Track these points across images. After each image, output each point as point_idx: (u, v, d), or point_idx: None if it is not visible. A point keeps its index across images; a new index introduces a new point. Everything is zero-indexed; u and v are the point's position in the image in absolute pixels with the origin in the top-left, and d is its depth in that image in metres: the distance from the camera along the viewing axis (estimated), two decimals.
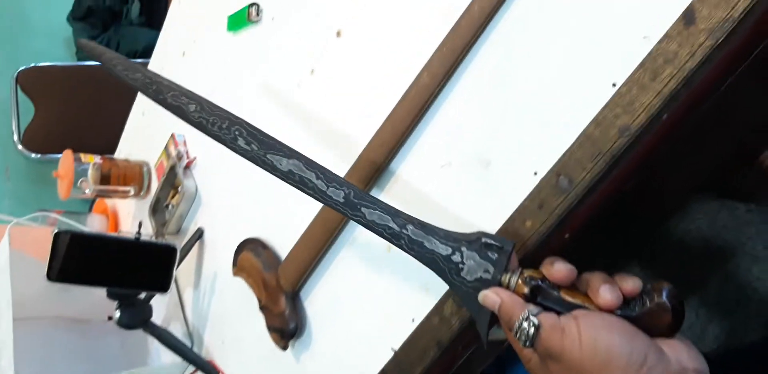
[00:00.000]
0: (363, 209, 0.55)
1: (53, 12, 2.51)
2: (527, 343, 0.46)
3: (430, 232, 0.53)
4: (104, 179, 1.19)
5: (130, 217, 1.39)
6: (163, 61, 1.29)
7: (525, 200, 0.54)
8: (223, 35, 1.04)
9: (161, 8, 2.40)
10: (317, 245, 0.75)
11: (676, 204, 0.74)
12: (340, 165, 0.72)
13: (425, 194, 0.64)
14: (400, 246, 0.54)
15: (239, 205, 0.97)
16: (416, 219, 0.54)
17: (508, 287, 0.49)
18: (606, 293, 0.45)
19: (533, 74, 0.54)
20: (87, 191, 1.18)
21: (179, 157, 1.12)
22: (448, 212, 0.61)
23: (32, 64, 2.04)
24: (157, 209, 1.18)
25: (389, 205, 0.55)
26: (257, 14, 0.94)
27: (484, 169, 0.58)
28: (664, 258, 0.76)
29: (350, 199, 0.55)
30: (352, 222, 0.73)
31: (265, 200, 0.90)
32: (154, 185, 1.26)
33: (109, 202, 1.48)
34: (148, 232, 1.18)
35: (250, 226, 0.92)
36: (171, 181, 1.15)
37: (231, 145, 0.59)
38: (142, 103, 1.39)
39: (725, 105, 0.49)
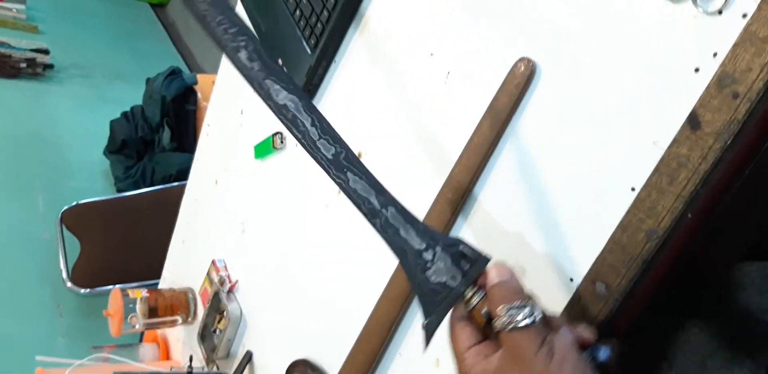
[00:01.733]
0: (349, 174, 0.50)
1: (90, 148, 2.64)
2: (508, 327, 0.43)
3: (409, 221, 0.49)
4: (152, 311, 1.21)
5: (180, 344, 1.40)
6: (198, 191, 1.34)
7: (566, 307, 0.54)
8: (252, 163, 1.08)
9: (190, 133, 2.52)
10: (365, 363, 0.75)
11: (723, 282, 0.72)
12: (370, 285, 0.73)
13: None
14: (374, 225, 0.49)
15: (284, 325, 0.98)
16: (399, 203, 0.49)
17: (468, 303, 0.47)
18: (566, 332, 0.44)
19: (553, 182, 0.56)
20: (137, 326, 1.20)
21: (221, 282, 1.14)
22: None
23: (74, 203, 2.12)
24: (206, 335, 1.19)
25: (379, 182, 0.50)
26: (281, 142, 0.98)
27: (521, 277, 0.58)
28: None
29: (339, 159, 0.51)
30: (397, 336, 0.73)
31: (309, 318, 0.91)
32: (201, 310, 1.27)
33: (160, 331, 1.49)
34: (199, 362, 1.18)
35: (297, 346, 0.92)
36: (216, 307, 1.16)
37: (231, 54, 0.52)
38: (181, 231, 1.43)
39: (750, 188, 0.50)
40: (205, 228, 1.30)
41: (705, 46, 0.45)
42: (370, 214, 0.49)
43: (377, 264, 0.76)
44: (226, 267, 1.17)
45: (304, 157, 0.94)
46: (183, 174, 2.29)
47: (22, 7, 3.60)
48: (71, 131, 2.85)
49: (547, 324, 0.44)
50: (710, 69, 0.45)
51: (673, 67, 0.47)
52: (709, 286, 0.72)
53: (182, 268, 1.41)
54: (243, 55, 0.51)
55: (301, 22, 0.89)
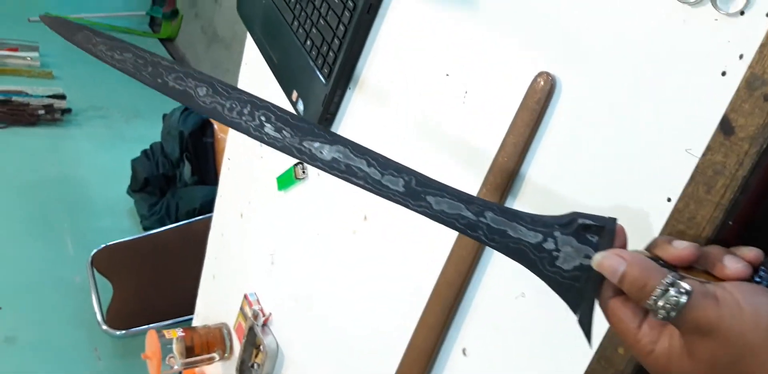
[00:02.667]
0: (428, 198, 0.46)
1: (113, 188, 2.67)
2: (671, 315, 0.37)
3: (513, 218, 0.44)
4: (189, 350, 1.21)
5: None
6: (224, 225, 1.34)
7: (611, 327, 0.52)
8: (275, 194, 1.08)
9: (210, 165, 2.53)
10: None
11: None
12: (406, 312, 0.72)
13: (502, 330, 0.63)
14: (478, 238, 0.45)
15: (321, 356, 0.96)
16: (495, 204, 0.46)
17: None
18: (732, 263, 0.39)
19: (585, 198, 0.54)
20: (176, 366, 1.20)
21: (255, 316, 1.13)
22: (531, 345, 0.60)
23: (102, 245, 2.14)
24: (244, 370, 1.18)
25: (461, 191, 0.46)
26: (303, 172, 0.97)
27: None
28: None
29: (412, 187, 0.46)
30: (437, 365, 0.71)
31: (346, 348, 0.90)
32: (236, 345, 1.26)
33: (198, 369, 1.49)
34: None
35: None
36: (252, 341, 1.16)
37: (256, 133, 0.49)
38: (210, 266, 1.43)
39: None
40: (234, 262, 1.29)
41: (730, 48, 0.44)
42: (469, 229, 0.45)
43: (411, 290, 0.75)
44: (258, 300, 1.16)
45: (328, 185, 0.94)
46: (207, 207, 2.31)
47: (35, 54, 3.67)
48: (94, 172, 2.88)
49: (701, 280, 0.39)
50: (738, 72, 0.43)
51: (699, 72, 0.46)
52: None
53: (215, 304, 1.41)
54: (269, 129, 0.49)
55: (313, 52, 0.89)
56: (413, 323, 0.72)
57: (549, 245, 0.44)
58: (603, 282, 0.43)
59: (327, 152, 0.48)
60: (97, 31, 0.57)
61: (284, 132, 0.48)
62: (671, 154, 0.48)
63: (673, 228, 0.47)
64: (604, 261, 0.41)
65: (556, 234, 0.44)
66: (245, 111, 0.49)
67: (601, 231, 0.43)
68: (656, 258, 0.41)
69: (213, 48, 3.99)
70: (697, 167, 0.45)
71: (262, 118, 0.49)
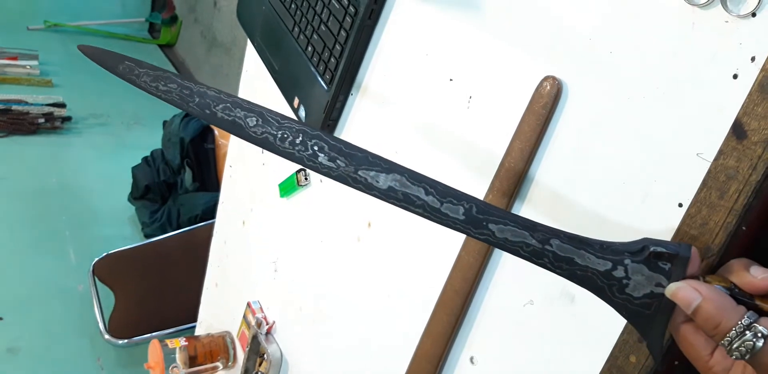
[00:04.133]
0: (491, 226, 0.44)
1: (114, 196, 2.66)
2: (746, 357, 0.37)
3: (581, 245, 0.43)
4: (192, 359, 1.20)
5: None
6: (226, 233, 1.33)
7: (622, 334, 0.51)
8: (277, 201, 1.07)
9: (211, 171, 2.53)
10: None
11: None
12: (411, 320, 0.71)
13: (510, 338, 0.62)
14: (543, 266, 0.44)
15: (326, 365, 0.95)
16: (562, 231, 0.44)
17: None
18: None
19: (593, 203, 0.54)
20: None
21: (259, 324, 1.12)
22: (540, 354, 0.59)
23: (104, 254, 2.13)
24: None
25: (524, 218, 0.45)
26: (306, 178, 0.97)
27: (569, 303, 0.56)
28: None
29: (472, 215, 0.45)
30: (446, 371, 0.71)
31: (351, 356, 0.89)
32: (240, 354, 1.25)
33: None
34: None
35: None
36: (255, 350, 1.15)
37: (310, 163, 0.48)
38: (213, 274, 1.42)
39: None
40: (236, 270, 1.28)
41: (741, 50, 0.43)
42: (535, 256, 0.44)
43: (417, 297, 0.74)
44: (261, 308, 1.15)
45: (331, 192, 0.93)
46: (208, 213, 2.30)
47: (35, 62, 3.67)
48: (95, 180, 2.88)
49: None
50: (750, 74, 0.43)
51: (710, 75, 0.45)
52: None
53: (218, 312, 1.40)
54: (323, 158, 0.47)
55: (314, 58, 0.88)
56: (419, 331, 0.71)
57: (619, 273, 0.43)
58: (675, 308, 0.42)
59: (383, 181, 0.46)
60: (139, 62, 0.56)
61: (338, 161, 0.47)
62: (682, 158, 0.47)
63: (685, 234, 0.46)
64: (678, 291, 0.40)
65: (626, 262, 0.43)
66: (297, 140, 0.48)
67: (674, 258, 0.42)
68: (731, 287, 0.40)
69: (213, 53, 3.99)
70: (710, 172, 0.44)
71: (315, 148, 0.47)
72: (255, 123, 0.49)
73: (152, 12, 4.81)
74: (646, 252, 0.42)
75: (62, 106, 3.22)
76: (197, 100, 0.51)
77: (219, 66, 3.86)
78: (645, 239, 0.43)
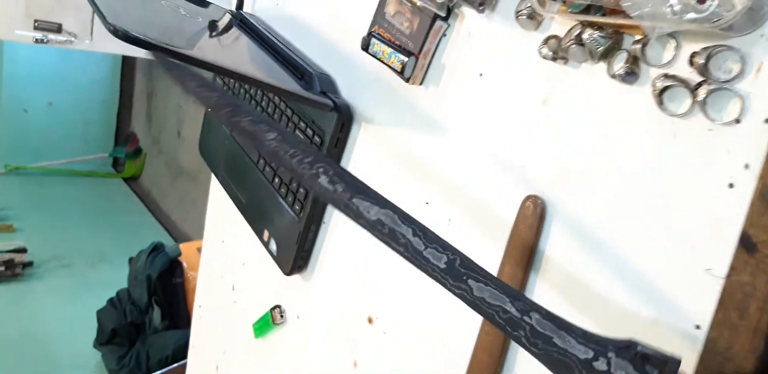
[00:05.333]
0: (470, 281, 0.41)
1: (79, 342, 2.53)
2: None
3: (562, 326, 0.39)
4: None
5: None
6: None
7: None
8: (252, 342, 1.00)
9: (181, 307, 2.43)
10: None
11: None
12: None
13: None
14: (518, 339, 0.40)
15: None
16: (544, 308, 0.40)
17: None
18: None
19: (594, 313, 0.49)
20: None
21: None
22: None
23: None
24: None
25: (508, 285, 0.42)
26: (281, 316, 0.91)
27: None
28: None
29: (454, 267, 0.42)
30: None
31: None
32: None
33: None
34: None
35: None
36: None
37: (309, 182, 0.49)
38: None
39: None
40: None
41: (731, 158, 0.41)
42: (510, 326, 0.40)
43: None
44: None
45: (310, 329, 0.87)
46: (180, 353, 2.18)
47: None
48: (58, 327, 2.74)
49: None
50: (747, 183, 0.40)
51: (703, 186, 0.43)
52: None
53: None
54: (323, 179, 0.48)
55: (282, 189, 0.86)
56: None
57: (600, 365, 0.38)
58: None
59: (374, 213, 0.46)
60: (192, 72, 0.61)
61: (337, 186, 0.48)
62: (690, 276, 0.43)
63: (712, 360, 0.42)
64: None
65: (610, 355, 0.38)
66: (306, 160, 0.49)
67: (663, 367, 0.37)
68: None
69: (178, 181, 3.99)
70: (725, 290, 0.41)
71: (320, 170, 0.49)
72: (273, 137, 0.52)
73: (116, 146, 4.85)
74: (633, 350, 0.38)
75: (23, 251, 3.13)
76: (229, 109, 0.56)
77: (186, 193, 3.84)
78: (632, 338, 0.38)
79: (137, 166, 4.68)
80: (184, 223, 3.77)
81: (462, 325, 0.61)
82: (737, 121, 0.41)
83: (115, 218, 3.92)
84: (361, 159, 0.77)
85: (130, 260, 2.61)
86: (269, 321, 0.92)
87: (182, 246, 2.57)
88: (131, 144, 4.74)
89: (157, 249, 2.48)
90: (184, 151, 3.93)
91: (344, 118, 0.78)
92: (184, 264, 2.48)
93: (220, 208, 1.15)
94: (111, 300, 2.52)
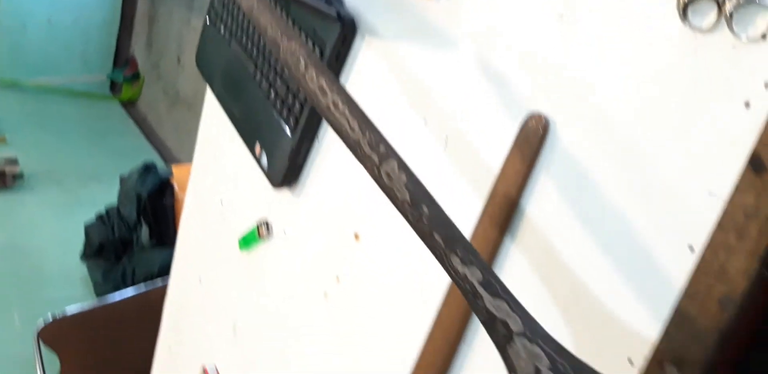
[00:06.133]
0: (423, 207, 0.43)
1: (66, 255, 2.54)
2: None
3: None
4: None
5: None
6: (181, 291, 1.25)
7: None
8: (237, 256, 1.00)
9: (169, 227, 2.43)
10: None
11: None
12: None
13: None
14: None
15: None
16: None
17: None
18: None
19: (590, 253, 0.48)
20: None
21: None
22: None
23: (51, 317, 2.00)
24: None
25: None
26: (268, 230, 0.90)
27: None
28: None
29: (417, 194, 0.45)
30: None
31: None
32: None
33: None
34: None
35: None
36: None
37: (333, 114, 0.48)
38: (166, 337, 1.32)
39: None
40: (192, 332, 1.19)
41: (753, 76, 0.39)
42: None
43: (392, 358, 0.67)
44: (217, 371, 1.06)
45: (295, 245, 0.87)
46: (165, 271, 2.18)
47: None
48: (46, 239, 2.75)
49: None
50: (764, 102, 0.38)
51: (718, 105, 0.41)
52: None
53: None
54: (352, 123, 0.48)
55: (278, 104, 0.83)
56: None
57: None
58: None
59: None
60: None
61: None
62: (691, 198, 0.42)
63: (700, 282, 0.41)
64: None
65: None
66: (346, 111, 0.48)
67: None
68: None
69: (175, 109, 3.94)
70: (726, 211, 0.40)
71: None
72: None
73: (114, 68, 4.77)
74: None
75: (14, 162, 3.11)
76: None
77: (182, 121, 3.80)
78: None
79: (135, 90, 4.61)
80: (179, 151, 3.74)
81: None
82: (764, 36, 0.39)
83: (109, 140, 3.89)
84: (362, 74, 0.75)
85: (121, 179, 2.60)
86: (255, 235, 0.91)
87: (174, 168, 2.56)
88: (130, 68, 4.66)
89: (148, 168, 2.46)
90: (183, 78, 3.87)
91: (347, 30, 0.75)
92: (175, 186, 2.47)
93: (213, 125, 1.13)
94: (100, 216, 2.53)
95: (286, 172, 0.82)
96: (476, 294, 0.40)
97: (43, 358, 1.91)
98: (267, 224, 0.91)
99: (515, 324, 0.39)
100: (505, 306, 0.40)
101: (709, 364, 0.41)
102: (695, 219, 0.41)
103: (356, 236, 0.74)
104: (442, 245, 0.42)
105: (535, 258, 0.53)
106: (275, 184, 0.85)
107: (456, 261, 0.41)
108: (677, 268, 0.42)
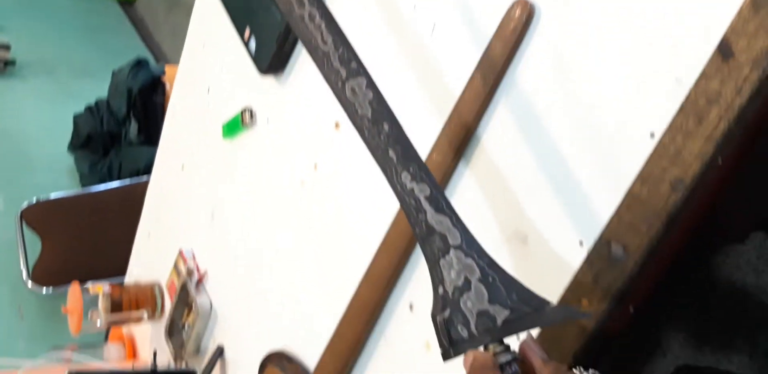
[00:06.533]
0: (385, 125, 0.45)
1: (54, 144, 2.53)
2: None
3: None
4: (116, 307, 1.13)
5: (147, 342, 1.32)
6: (163, 177, 1.26)
7: (576, 275, 0.47)
8: (220, 143, 1.00)
9: (158, 125, 2.42)
10: (348, 349, 0.68)
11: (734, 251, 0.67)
12: (351, 267, 0.67)
13: None
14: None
15: (258, 316, 0.90)
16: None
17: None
18: None
19: (559, 134, 0.49)
20: (99, 322, 1.12)
21: (189, 273, 1.06)
22: None
23: (35, 199, 2.03)
24: (173, 331, 1.11)
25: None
26: (251, 117, 0.90)
27: (521, 245, 0.52)
28: (717, 300, 0.68)
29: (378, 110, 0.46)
30: (381, 319, 0.66)
31: (285, 307, 0.84)
32: (168, 305, 1.19)
33: (125, 328, 1.41)
34: (166, 359, 1.10)
35: (273, 338, 0.85)
36: (184, 300, 1.09)
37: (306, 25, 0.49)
38: (147, 223, 1.35)
39: None
40: (172, 218, 1.22)
41: None
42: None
43: (358, 242, 0.69)
44: (194, 257, 1.09)
45: (277, 133, 0.87)
46: (151, 168, 2.20)
47: None
48: (34, 127, 2.74)
49: None
50: None
51: None
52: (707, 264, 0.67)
53: (149, 263, 1.33)
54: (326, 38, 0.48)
55: None
56: (359, 277, 0.67)
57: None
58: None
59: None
60: None
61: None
62: (658, 84, 0.43)
63: (655, 166, 0.42)
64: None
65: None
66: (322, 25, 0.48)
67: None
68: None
69: (174, 12, 3.84)
70: (689, 96, 0.41)
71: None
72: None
73: None
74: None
75: (6, 48, 3.06)
76: None
77: (179, 26, 3.71)
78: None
79: None
80: (174, 54, 3.66)
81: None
82: None
83: (104, 37, 3.80)
84: None
85: (113, 73, 2.56)
86: (239, 122, 0.92)
87: (168, 68, 2.52)
88: None
89: (141, 64, 2.43)
90: None
91: None
92: (167, 85, 2.44)
93: (205, 12, 1.11)
94: (89, 107, 2.51)
95: (273, 57, 0.82)
96: (420, 208, 0.42)
97: (26, 240, 1.95)
98: (251, 111, 0.91)
99: (454, 238, 0.41)
100: (447, 221, 0.42)
101: (654, 245, 0.43)
102: (660, 106, 0.42)
103: (337, 125, 0.75)
104: (395, 161, 0.44)
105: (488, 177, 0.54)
106: (262, 70, 0.84)
107: (406, 177, 0.43)
108: (637, 155, 0.44)
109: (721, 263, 0.66)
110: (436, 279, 0.41)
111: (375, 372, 0.67)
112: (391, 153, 0.44)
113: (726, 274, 0.65)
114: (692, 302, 0.66)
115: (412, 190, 0.43)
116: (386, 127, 0.45)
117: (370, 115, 0.46)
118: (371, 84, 0.47)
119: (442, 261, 0.41)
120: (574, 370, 0.38)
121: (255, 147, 0.92)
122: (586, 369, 0.38)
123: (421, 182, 0.43)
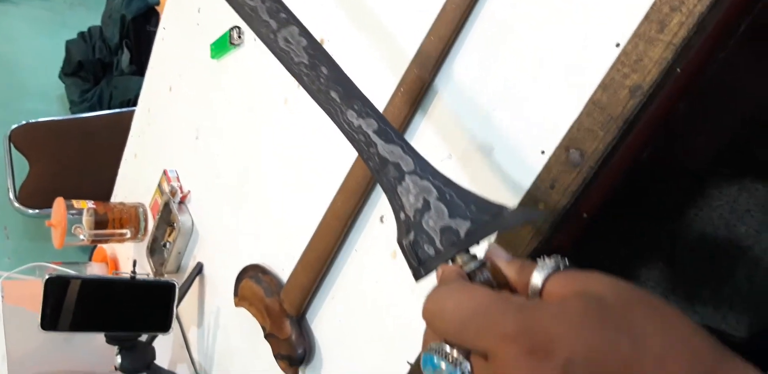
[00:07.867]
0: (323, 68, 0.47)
1: (45, 71, 2.52)
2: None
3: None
4: (100, 224, 1.15)
5: (130, 261, 1.34)
6: (151, 99, 1.27)
7: (535, 181, 0.49)
8: (208, 63, 1.01)
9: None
10: (319, 262, 0.71)
11: (693, 188, 0.69)
12: (328, 183, 0.68)
13: None
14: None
15: (237, 233, 0.93)
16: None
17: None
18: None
19: (526, 45, 0.51)
20: (82, 237, 1.14)
21: (173, 193, 1.08)
22: None
23: (24, 122, 2.02)
24: (155, 248, 1.14)
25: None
26: (239, 36, 0.91)
27: (487, 155, 0.54)
28: (686, 252, 0.70)
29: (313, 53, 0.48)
30: (353, 233, 0.68)
31: (262, 224, 0.86)
32: (151, 226, 1.22)
33: (109, 249, 1.44)
34: (145, 271, 1.13)
35: (249, 255, 0.87)
36: (166, 219, 1.11)
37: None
38: (133, 145, 1.36)
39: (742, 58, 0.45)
40: (158, 139, 1.23)
41: None
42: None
43: (336, 159, 0.71)
44: (178, 177, 1.11)
45: (265, 52, 0.88)
46: None
47: None
48: (27, 53, 2.71)
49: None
50: None
51: None
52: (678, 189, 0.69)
53: (134, 183, 1.35)
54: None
55: None
56: (334, 193, 0.69)
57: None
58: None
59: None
60: None
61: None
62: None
63: (617, 73, 0.44)
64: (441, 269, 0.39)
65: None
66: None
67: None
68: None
69: None
70: (654, 3, 0.42)
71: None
72: None
73: None
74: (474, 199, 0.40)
75: None
76: None
77: None
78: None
79: None
80: None
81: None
82: None
83: None
84: None
85: (108, 1, 2.53)
86: (227, 41, 0.92)
87: None
88: None
89: None
90: None
91: None
92: (161, 15, 2.41)
93: None
94: (82, 34, 2.48)
95: None
96: (370, 142, 0.43)
97: (13, 161, 1.95)
98: (239, 29, 0.91)
99: (407, 165, 0.42)
100: (398, 150, 0.43)
101: (610, 150, 0.45)
102: (626, 17, 0.43)
103: (322, 42, 0.75)
104: (338, 101, 0.45)
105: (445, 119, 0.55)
106: None
107: (352, 115, 0.44)
108: (601, 64, 0.45)
109: (693, 216, 0.68)
110: (396, 206, 0.42)
111: (344, 280, 0.70)
112: (333, 94, 0.46)
113: (698, 227, 0.67)
114: (661, 253, 0.68)
115: (360, 127, 0.44)
116: (324, 70, 0.46)
117: (306, 61, 0.47)
118: (304, 31, 0.48)
119: (399, 189, 0.42)
120: (537, 259, 0.39)
121: (242, 66, 0.93)
122: (549, 256, 0.39)
123: (368, 117, 0.44)
